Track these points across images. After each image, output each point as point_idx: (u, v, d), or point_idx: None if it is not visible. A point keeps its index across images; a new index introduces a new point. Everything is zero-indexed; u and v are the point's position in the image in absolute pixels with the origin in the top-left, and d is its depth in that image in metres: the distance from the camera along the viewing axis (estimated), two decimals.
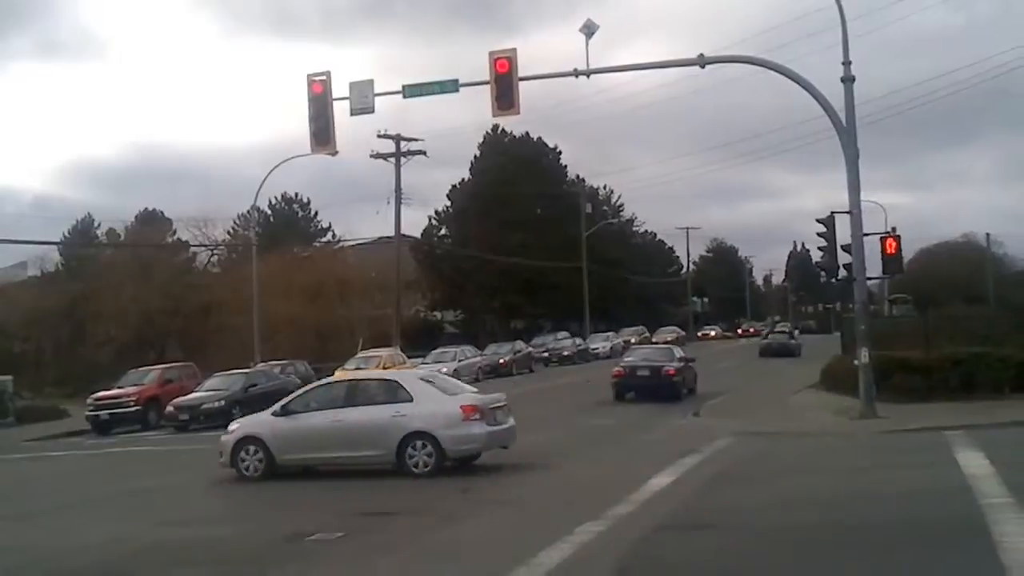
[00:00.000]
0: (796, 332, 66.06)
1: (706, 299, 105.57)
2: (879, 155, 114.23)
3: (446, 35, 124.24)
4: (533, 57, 20.35)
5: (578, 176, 75.44)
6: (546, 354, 53.77)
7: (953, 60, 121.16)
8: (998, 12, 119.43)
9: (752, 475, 13.70)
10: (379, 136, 49.21)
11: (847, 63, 20.54)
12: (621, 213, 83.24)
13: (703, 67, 21.09)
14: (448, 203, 71.25)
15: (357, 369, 36.91)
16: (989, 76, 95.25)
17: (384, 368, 36.99)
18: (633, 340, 63.65)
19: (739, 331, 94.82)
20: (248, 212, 53.41)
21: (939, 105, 50.12)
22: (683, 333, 74.78)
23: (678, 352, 31.08)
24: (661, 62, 24.32)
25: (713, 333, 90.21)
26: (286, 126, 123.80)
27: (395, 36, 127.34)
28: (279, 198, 69.88)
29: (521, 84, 20.74)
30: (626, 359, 30.79)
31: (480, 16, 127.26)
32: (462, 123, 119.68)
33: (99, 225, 68.81)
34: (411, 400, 14.98)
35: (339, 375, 36.64)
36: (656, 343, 51.72)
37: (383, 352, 39.32)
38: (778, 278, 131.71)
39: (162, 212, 66.23)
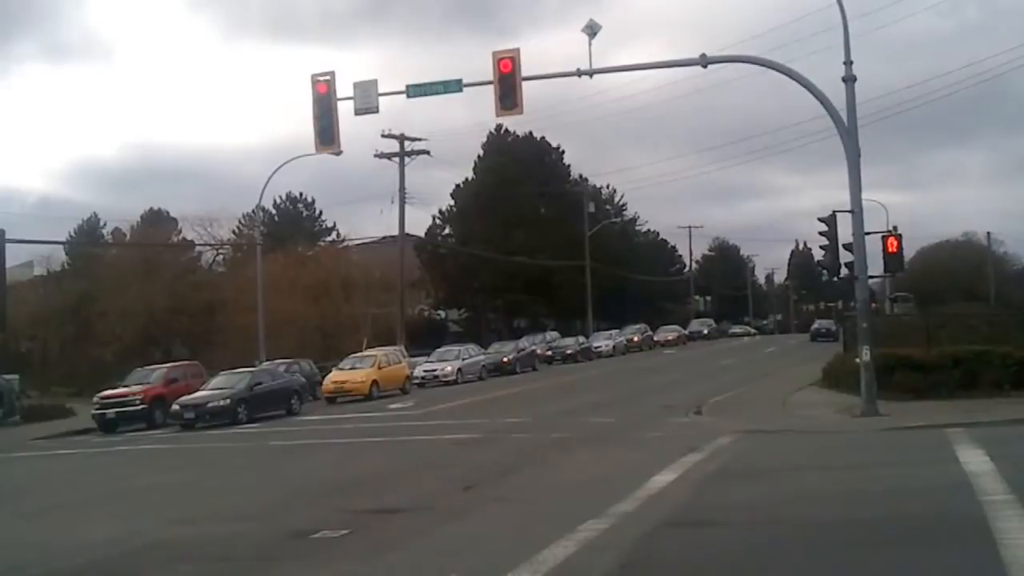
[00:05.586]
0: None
1: (708, 298, 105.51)
2: (876, 154, 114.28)
3: (443, 39, 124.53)
4: (531, 60, 20.54)
5: (581, 176, 75.51)
6: (549, 352, 53.96)
7: (946, 62, 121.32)
8: (987, 17, 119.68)
9: (754, 472, 13.77)
10: (383, 136, 49.47)
11: (848, 63, 20.55)
12: (624, 212, 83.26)
13: (705, 67, 21.17)
14: (452, 202, 71.36)
15: (353, 369, 36.97)
16: (982, 78, 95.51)
17: (380, 368, 37.07)
18: (635, 338, 64.28)
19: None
20: (253, 212, 53.55)
21: (934, 106, 50.76)
22: (683, 331, 75.04)
23: (833, 322, 61.56)
24: (663, 62, 24.43)
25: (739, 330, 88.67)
26: (288, 127, 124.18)
27: (393, 39, 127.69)
28: (284, 197, 70.12)
29: (524, 84, 20.84)
30: (813, 326, 69.39)
31: (477, 20, 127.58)
32: (462, 124, 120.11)
33: (105, 225, 69.14)
34: None
35: (335, 375, 36.89)
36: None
37: (379, 351, 39.33)
38: (780, 277, 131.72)
39: (167, 212, 66.47)
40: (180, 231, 63.00)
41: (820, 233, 22.60)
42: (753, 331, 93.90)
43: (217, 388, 30.51)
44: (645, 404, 25.72)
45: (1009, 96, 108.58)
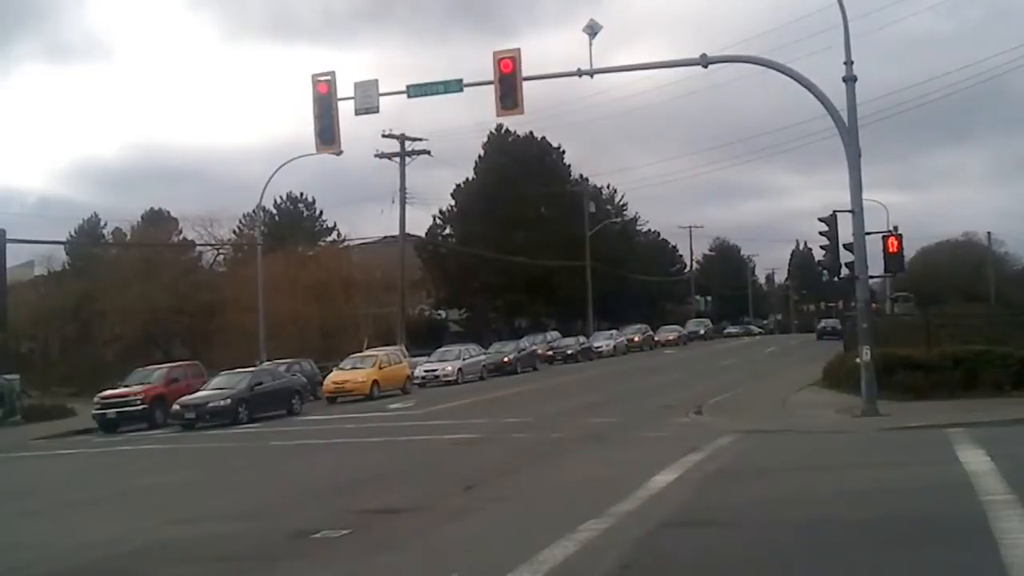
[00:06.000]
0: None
1: (709, 298, 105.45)
2: (876, 154, 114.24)
3: (443, 39, 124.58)
4: (531, 60, 20.67)
5: (581, 175, 75.47)
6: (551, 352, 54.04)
7: (946, 63, 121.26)
8: (987, 17, 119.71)
9: (754, 472, 13.76)
10: (383, 136, 49.48)
11: (849, 63, 20.54)
12: (624, 212, 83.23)
13: (705, 67, 21.16)
14: (452, 202, 71.39)
15: (354, 369, 37.00)
16: (982, 78, 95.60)
17: (381, 368, 37.11)
18: (636, 338, 64.35)
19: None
20: (253, 212, 53.58)
21: (934, 106, 50.84)
22: (684, 331, 75.15)
23: (839, 321, 57.45)
24: (664, 62, 24.45)
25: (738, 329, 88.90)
26: (288, 127, 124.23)
27: (393, 39, 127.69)
28: (284, 197, 70.16)
29: (524, 84, 20.84)
30: (820, 325, 70.53)
31: (477, 20, 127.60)
32: (462, 124, 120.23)
33: (105, 225, 69.11)
34: None
35: (336, 375, 36.92)
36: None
37: (379, 351, 39.35)
38: (780, 277, 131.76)
39: (168, 212, 66.43)
40: (180, 231, 63.02)
41: (820, 233, 22.61)
42: (756, 330, 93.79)
43: (218, 388, 30.52)
44: (645, 404, 25.71)
45: (1009, 96, 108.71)
